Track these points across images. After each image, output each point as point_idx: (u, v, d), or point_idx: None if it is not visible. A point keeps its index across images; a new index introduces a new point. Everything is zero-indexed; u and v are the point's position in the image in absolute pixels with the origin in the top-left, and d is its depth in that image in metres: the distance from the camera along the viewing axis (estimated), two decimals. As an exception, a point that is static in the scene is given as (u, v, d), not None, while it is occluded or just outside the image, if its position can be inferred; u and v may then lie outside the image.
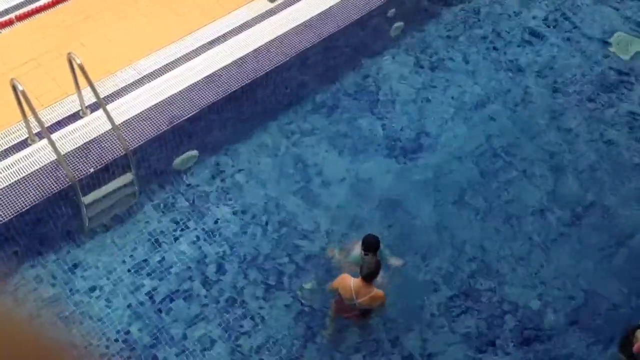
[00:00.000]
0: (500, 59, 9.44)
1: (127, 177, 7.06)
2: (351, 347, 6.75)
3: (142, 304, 6.76)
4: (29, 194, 6.49)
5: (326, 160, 8.10)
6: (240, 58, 7.92)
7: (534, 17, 10.05)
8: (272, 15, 8.48)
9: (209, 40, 8.11)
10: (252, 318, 6.80)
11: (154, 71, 7.72)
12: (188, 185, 7.68)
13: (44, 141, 6.74)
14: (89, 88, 6.67)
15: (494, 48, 9.57)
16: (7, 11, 8.20)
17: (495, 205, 7.83)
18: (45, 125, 6.65)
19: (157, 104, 7.39)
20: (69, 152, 6.83)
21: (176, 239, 7.26)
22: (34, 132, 6.86)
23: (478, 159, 8.27)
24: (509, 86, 9.12)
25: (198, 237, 7.29)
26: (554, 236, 7.60)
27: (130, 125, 7.17)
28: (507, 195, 7.93)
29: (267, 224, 7.49)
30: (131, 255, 7.08)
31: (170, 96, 7.46)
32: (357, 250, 6.75)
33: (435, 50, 9.46)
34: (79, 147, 6.91)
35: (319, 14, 8.52)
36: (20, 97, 6.28)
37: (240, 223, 7.46)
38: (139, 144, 7.05)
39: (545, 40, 9.74)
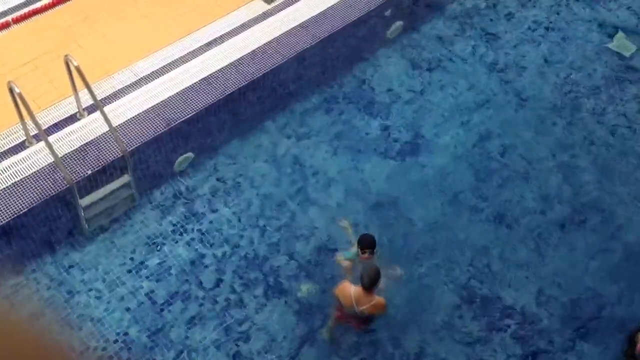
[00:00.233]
0: (498, 59, 9.45)
1: (125, 179, 7.06)
2: (350, 349, 6.74)
3: (140, 305, 6.75)
4: (26, 196, 6.48)
5: (324, 161, 8.11)
6: (237, 60, 7.92)
7: (532, 16, 10.06)
8: (269, 17, 8.49)
9: (206, 42, 8.11)
10: (251, 320, 6.79)
11: (151, 73, 7.73)
12: (186, 186, 7.68)
13: (41, 143, 6.74)
14: (86, 90, 6.67)
15: (492, 48, 9.59)
16: (4, 13, 8.20)
17: (494, 206, 7.83)
18: (43, 128, 6.65)
19: (154, 106, 7.39)
20: (66, 154, 6.83)
21: (174, 240, 7.26)
22: (31, 134, 6.85)
23: (476, 159, 8.27)
24: (507, 86, 9.13)
25: (196, 239, 7.29)
26: (552, 237, 7.60)
27: (128, 127, 7.17)
28: (506, 196, 7.93)
29: (265, 225, 7.49)
30: (130, 257, 7.07)
31: (168, 98, 7.47)
32: (353, 249, 6.75)
33: (433, 51, 9.47)
34: (77, 149, 6.91)
35: (316, 15, 8.53)
36: (17, 99, 6.28)
37: (238, 224, 7.46)
38: (137, 145, 7.05)
39: (544, 39, 9.76)
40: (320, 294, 6.99)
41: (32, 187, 6.55)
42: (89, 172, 6.75)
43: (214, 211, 7.52)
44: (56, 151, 6.61)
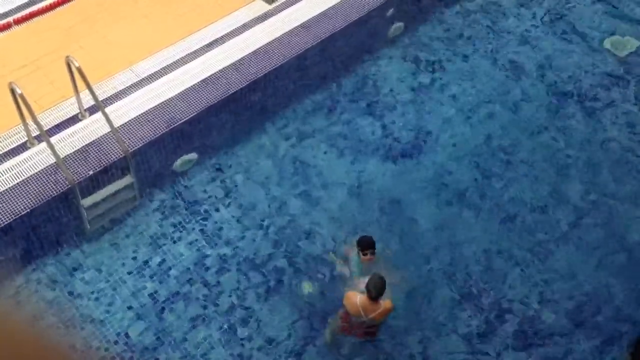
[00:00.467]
0: (499, 59, 9.45)
1: (127, 180, 7.07)
2: (352, 348, 6.73)
3: (143, 306, 6.76)
4: (28, 197, 6.49)
5: (325, 162, 8.10)
6: (238, 60, 7.92)
7: (532, 17, 10.06)
8: (270, 17, 8.49)
9: (207, 42, 8.11)
10: (253, 320, 6.79)
11: (152, 74, 7.73)
12: (187, 187, 7.68)
13: (43, 144, 6.74)
14: (87, 91, 6.67)
15: (493, 48, 9.58)
16: (5, 15, 8.21)
17: (496, 206, 7.82)
18: (44, 129, 6.65)
19: (155, 106, 7.39)
20: (68, 155, 6.83)
21: (176, 241, 7.26)
22: (33, 135, 6.86)
23: (478, 159, 8.27)
24: (508, 86, 9.12)
25: (198, 239, 7.29)
26: (555, 236, 7.59)
27: (129, 127, 7.17)
28: (508, 195, 7.93)
29: (267, 225, 7.49)
30: (132, 258, 7.08)
31: (169, 99, 7.47)
32: (353, 256, 6.72)
33: (434, 51, 9.46)
34: (78, 150, 6.91)
35: (317, 15, 8.52)
36: (19, 100, 6.28)
37: (240, 225, 7.45)
38: (138, 146, 7.05)
39: (543, 40, 9.75)
40: (322, 293, 6.99)
41: (34, 188, 6.55)
42: (91, 172, 6.75)
43: (215, 211, 7.52)
44: (58, 152, 6.61)
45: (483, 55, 9.48)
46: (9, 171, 6.68)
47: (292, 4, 8.66)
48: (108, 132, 6.95)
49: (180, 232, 7.32)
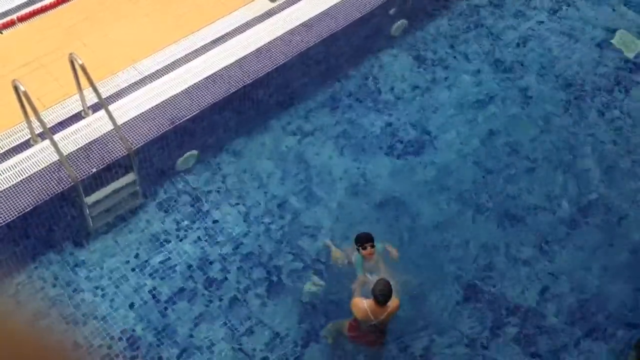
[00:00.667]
0: (503, 56, 9.43)
1: (130, 177, 7.08)
2: (354, 347, 6.74)
3: (145, 303, 6.77)
4: (31, 194, 6.51)
5: (328, 159, 8.11)
6: (241, 58, 7.92)
7: (536, 15, 10.04)
8: (273, 15, 8.49)
9: (211, 40, 8.12)
10: (255, 317, 6.80)
11: (155, 71, 7.74)
12: (190, 185, 7.69)
13: (46, 142, 6.76)
14: (90, 88, 6.68)
15: (496, 45, 9.56)
16: (8, 12, 8.22)
17: (499, 204, 7.82)
18: (48, 126, 6.66)
19: (158, 104, 7.40)
20: (71, 152, 6.85)
21: (179, 238, 7.27)
22: (36, 132, 6.87)
23: (481, 157, 8.26)
24: (512, 84, 9.11)
25: (201, 237, 7.30)
26: (558, 235, 7.58)
27: (132, 125, 7.18)
28: (511, 194, 7.92)
29: (269, 223, 7.50)
30: (134, 255, 7.09)
31: (172, 96, 7.47)
32: (354, 257, 6.71)
33: (437, 49, 9.45)
34: (81, 147, 6.92)
35: (320, 14, 8.52)
36: (22, 97, 6.30)
37: (243, 222, 7.47)
38: (141, 144, 7.06)
39: (548, 38, 9.73)
40: (325, 291, 7.00)
41: (37, 185, 6.57)
42: (94, 170, 6.77)
43: (218, 209, 7.54)
44: (61, 149, 6.62)
45: (486, 52, 9.46)
46: (12, 168, 6.70)
47: (294, 2, 8.66)
48: (111, 130, 6.96)
49: (183, 229, 7.34)
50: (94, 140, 6.99)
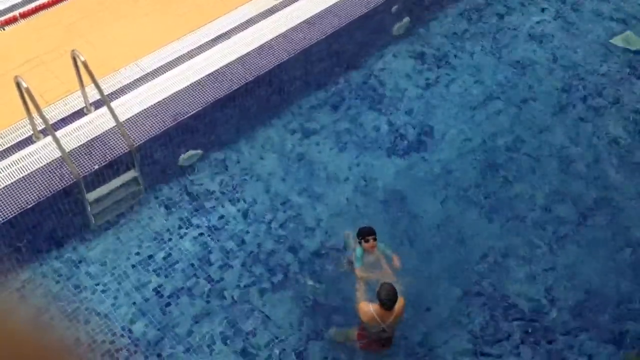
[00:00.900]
0: (505, 55, 9.41)
1: (132, 174, 7.09)
2: (354, 345, 6.74)
3: (147, 300, 6.78)
4: (33, 191, 6.51)
5: (330, 157, 8.10)
6: (244, 55, 7.92)
7: (539, 13, 10.02)
8: (275, 12, 8.48)
9: (213, 37, 8.12)
10: (257, 314, 6.81)
11: (157, 68, 7.74)
12: (192, 182, 7.70)
13: (49, 138, 6.76)
14: (92, 85, 6.68)
15: (499, 44, 9.55)
16: (11, 8, 8.23)
17: (501, 202, 7.81)
18: (50, 123, 6.67)
19: (161, 101, 7.40)
20: (73, 149, 6.85)
21: (181, 235, 7.27)
22: (38, 129, 6.88)
23: (483, 155, 8.25)
24: (514, 82, 9.09)
25: (202, 234, 7.31)
26: (560, 233, 7.57)
27: (135, 122, 7.18)
28: (513, 192, 7.91)
29: (271, 220, 7.50)
30: (136, 252, 7.10)
31: (174, 93, 7.47)
32: (355, 250, 6.71)
33: (440, 47, 9.44)
34: (84, 144, 6.93)
35: (323, 11, 8.51)
36: (24, 94, 6.30)
37: (245, 220, 7.47)
38: (143, 141, 7.06)
39: (551, 36, 9.71)
40: (326, 289, 7.00)
41: (39, 182, 6.57)
42: (96, 167, 6.77)
43: (220, 206, 7.54)
44: (63, 146, 6.63)
45: (489, 51, 9.45)
46: (14, 165, 6.70)
47: (297, -1, 8.65)
48: (113, 127, 6.96)
49: (185, 226, 7.34)
50: (96, 136, 7.00)
